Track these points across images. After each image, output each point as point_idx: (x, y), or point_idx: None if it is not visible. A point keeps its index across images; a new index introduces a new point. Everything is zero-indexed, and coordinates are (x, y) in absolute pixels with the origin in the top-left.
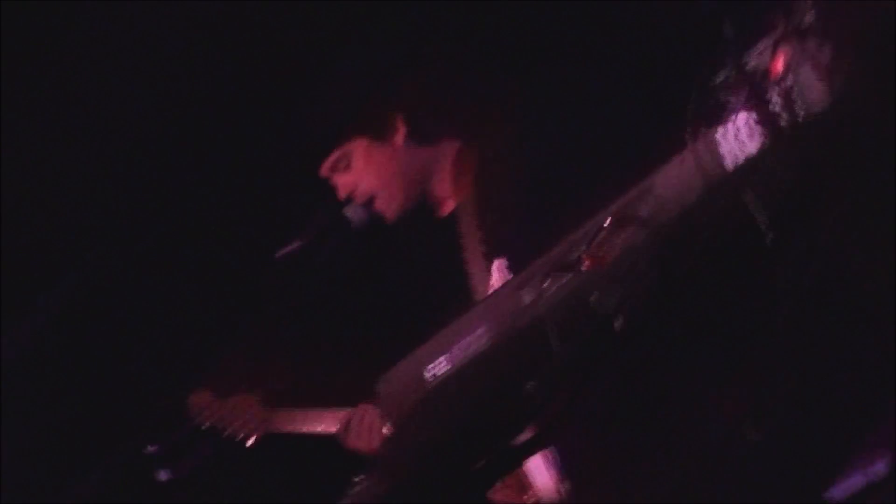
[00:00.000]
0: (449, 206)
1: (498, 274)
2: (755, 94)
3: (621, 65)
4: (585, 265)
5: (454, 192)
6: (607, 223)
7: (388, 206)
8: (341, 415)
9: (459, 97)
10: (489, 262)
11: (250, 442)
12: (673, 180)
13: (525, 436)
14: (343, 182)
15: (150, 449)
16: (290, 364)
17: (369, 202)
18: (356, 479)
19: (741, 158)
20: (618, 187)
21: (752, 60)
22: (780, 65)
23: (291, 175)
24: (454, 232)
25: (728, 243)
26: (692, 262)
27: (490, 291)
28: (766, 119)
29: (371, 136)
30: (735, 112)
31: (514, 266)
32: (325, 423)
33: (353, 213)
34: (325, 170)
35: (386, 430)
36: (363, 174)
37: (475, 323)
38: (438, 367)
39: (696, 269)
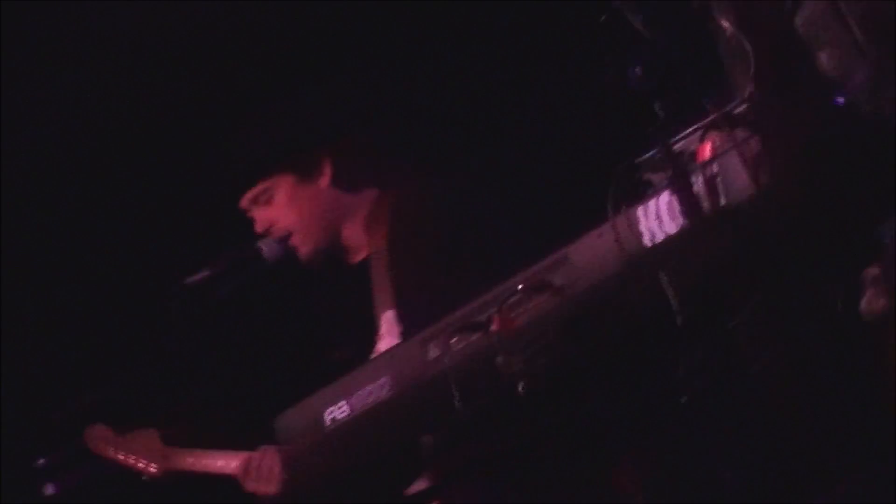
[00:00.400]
0: (362, 253)
1: (387, 326)
2: (680, 176)
3: (550, 133)
4: (494, 327)
5: (368, 240)
6: (521, 287)
7: (304, 245)
8: (241, 456)
9: (386, 148)
10: (396, 311)
11: (149, 478)
12: (590, 252)
13: (418, 486)
14: (262, 216)
15: (39, 463)
16: (192, 400)
17: (285, 238)
18: None
19: (659, 238)
20: (535, 252)
21: (681, 142)
22: (707, 150)
23: (209, 203)
24: (365, 278)
25: (639, 320)
26: (601, 334)
27: (388, 341)
28: (688, 202)
29: (297, 174)
30: (658, 192)
31: (421, 320)
32: (225, 464)
33: (266, 248)
34: (245, 202)
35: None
36: (284, 210)
37: (379, 371)
38: (339, 411)
39: (605, 343)
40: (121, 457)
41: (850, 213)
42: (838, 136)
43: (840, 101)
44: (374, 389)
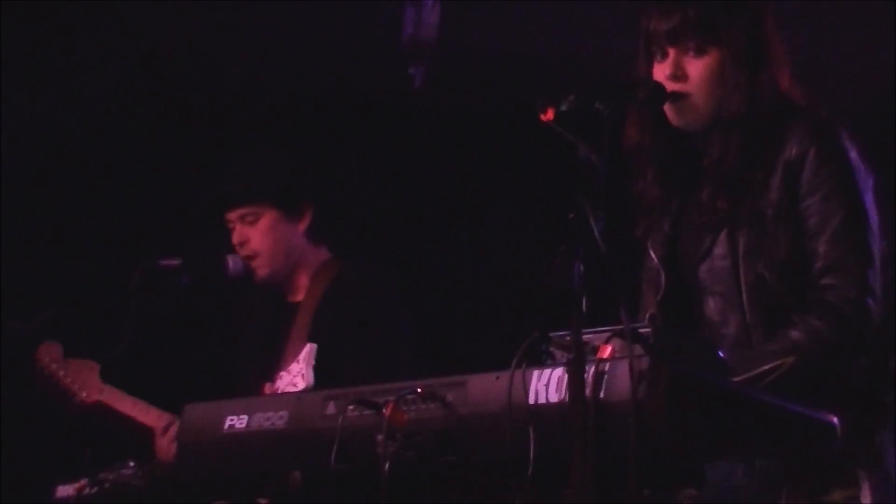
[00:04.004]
0: (298, 297)
1: (306, 353)
2: (578, 361)
3: (491, 284)
4: (386, 412)
5: (308, 288)
6: (419, 390)
7: (264, 268)
8: (165, 416)
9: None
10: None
11: (78, 403)
12: (484, 387)
13: None
14: (243, 232)
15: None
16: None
17: (251, 258)
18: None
19: (542, 401)
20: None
21: (588, 335)
22: (607, 351)
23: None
24: (291, 316)
25: (501, 454)
26: (464, 453)
27: (295, 376)
28: (575, 384)
29: (283, 211)
30: (556, 365)
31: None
32: (148, 417)
33: (232, 262)
34: (232, 215)
35: None
36: (262, 235)
37: (283, 405)
38: (238, 421)
39: (464, 460)
40: (61, 375)
41: (689, 448)
42: (712, 384)
43: (722, 354)
44: (274, 417)
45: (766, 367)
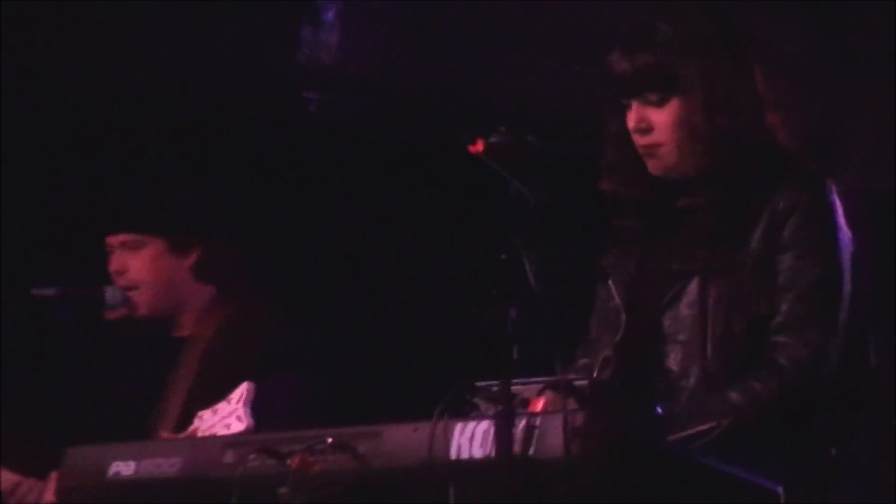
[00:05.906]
0: (184, 332)
1: (242, 393)
2: (506, 414)
3: (408, 325)
4: (293, 463)
5: (194, 325)
6: (329, 441)
7: (143, 303)
8: (13, 479)
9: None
10: (188, 393)
11: None
12: (401, 439)
13: None
14: (122, 260)
15: None
16: None
17: (129, 289)
18: None
19: (464, 456)
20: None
21: (520, 387)
22: (539, 404)
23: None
24: (176, 353)
25: None
26: None
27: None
28: (502, 439)
29: (170, 244)
30: (481, 418)
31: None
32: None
33: (110, 295)
34: (113, 240)
35: None
36: (144, 266)
37: (176, 451)
38: (125, 468)
39: None
40: None
41: None
42: (650, 444)
43: (659, 410)
44: (165, 464)
45: (700, 428)
